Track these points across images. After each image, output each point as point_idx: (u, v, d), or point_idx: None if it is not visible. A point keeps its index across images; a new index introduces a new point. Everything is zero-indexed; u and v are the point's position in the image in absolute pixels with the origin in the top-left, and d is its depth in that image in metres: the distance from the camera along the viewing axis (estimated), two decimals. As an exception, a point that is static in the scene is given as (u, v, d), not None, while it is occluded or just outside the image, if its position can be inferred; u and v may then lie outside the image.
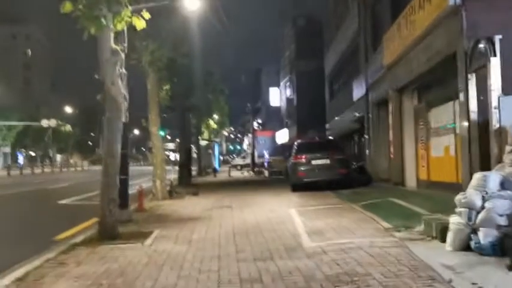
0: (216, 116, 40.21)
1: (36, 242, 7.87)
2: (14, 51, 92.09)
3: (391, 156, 13.78)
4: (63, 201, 15.52)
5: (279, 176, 29.79)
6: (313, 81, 36.45)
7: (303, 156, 15.04)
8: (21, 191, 21.00)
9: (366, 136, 17.00)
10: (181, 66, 17.97)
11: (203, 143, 39.90)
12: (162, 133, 40.71)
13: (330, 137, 17.66)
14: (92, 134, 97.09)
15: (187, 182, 22.61)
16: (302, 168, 14.95)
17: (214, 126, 40.18)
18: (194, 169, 37.89)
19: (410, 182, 12.79)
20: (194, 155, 36.12)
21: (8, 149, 71.96)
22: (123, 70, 9.79)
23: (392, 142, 13.64)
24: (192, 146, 40.98)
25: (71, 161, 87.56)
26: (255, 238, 7.24)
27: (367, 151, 17.33)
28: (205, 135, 40.02)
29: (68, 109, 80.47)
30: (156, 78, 14.90)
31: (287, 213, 9.94)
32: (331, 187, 14.82)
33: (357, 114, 18.91)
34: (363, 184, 15.75)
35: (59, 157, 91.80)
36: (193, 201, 13.92)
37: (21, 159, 74.38)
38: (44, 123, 60.80)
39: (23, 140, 71.60)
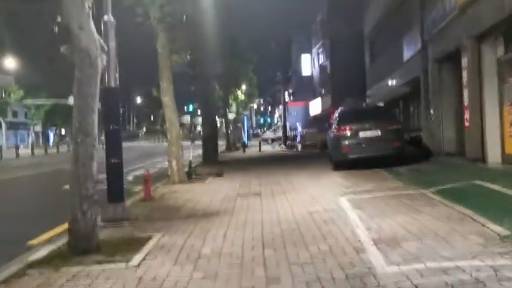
0: (244, 87, 37.58)
1: (9, 247, 5.88)
2: (39, 28, 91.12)
3: (466, 124, 10.84)
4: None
5: (313, 150, 27.19)
6: (349, 45, 33.16)
7: (348, 128, 12.30)
8: (29, 174, 19.18)
9: (422, 101, 14.04)
10: (199, 26, 15.41)
11: (231, 116, 37.45)
12: (191, 108, 38.36)
13: (380, 103, 14.72)
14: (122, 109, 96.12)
15: (213, 159, 20.30)
16: (347, 142, 12.24)
17: (243, 97, 37.58)
18: (222, 144, 35.71)
19: (493, 157, 9.91)
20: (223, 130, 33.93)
21: (39, 128, 71.71)
22: (111, 17, 7.32)
23: (468, 106, 10.64)
24: (221, 119, 38.87)
25: (102, 137, 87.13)
26: (294, 253, 4.73)
27: (422, 119, 14.40)
28: (233, 107, 37.51)
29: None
30: (166, 38, 12.37)
31: (336, 203, 7.38)
32: (382, 164, 12.14)
33: (408, 76, 15.96)
34: (420, 159, 12.98)
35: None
36: (215, 184, 11.51)
37: (51, 137, 74.18)
38: (71, 100, 59.72)
39: (53, 118, 71.04)
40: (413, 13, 14.99)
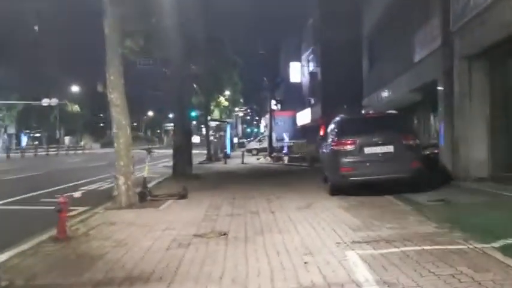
0: (228, 93, 34.68)
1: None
2: (21, 27, 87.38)
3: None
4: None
5: (302, 164, 24.32)
6: (342, 50, 30.46)
7: (350, 141, 9.38)
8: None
9: (441, 110, 11.18)
10: (165, 9, 12.55)
11: (213, 123, 34.47)
12: (193, 114, 35.07)
13: (392, 111, 11.82)
14: (101, 115, 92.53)
15: (185, 172, 17.30)
16: (348, 160, 9.33)
17: (226, 103, 34.62)
18: (202, 153, 32.65)
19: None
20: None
21: (12, 130, 68.00)
22: None
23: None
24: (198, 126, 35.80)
25: (82, 143, 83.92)
26: None
27: (440, 133, 11.53)
28: (216, 114, 34.55)
29: (75, 88, 75.68)
30: (117, 16, 9.44)
31: (344, 267, 4.48)
32: (391, 188, 9.33)
33: (420, 81, 13.19)
34: (438, 184, 10.17)
35: (67, 139, 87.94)
36: (172, 213, 8.51)
37: (24, 140, 70.39)
38: (45, 102, 56.68)
39: (26, 120, 67.33)
40: (431, 1, 12.20)
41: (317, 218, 7.28)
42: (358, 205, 8.37)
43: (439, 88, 11.09)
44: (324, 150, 11.31)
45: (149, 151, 10.84)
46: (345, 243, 5.50)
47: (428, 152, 11.67)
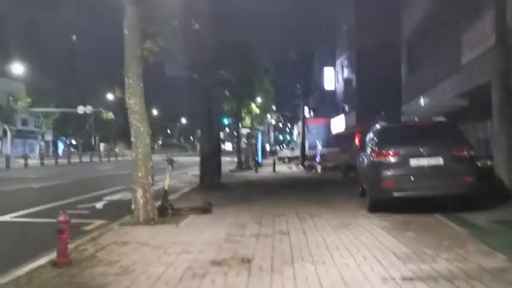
0: (259, 99, 33.85)
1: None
2: (57, 36, 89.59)
3: None
4: (4, 218, 9.83)
5: (335, 174, 23.16)
6: (379, 55, 29.23)
7: (393, 152, 8.31)
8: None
9: (496, 115, 9.88)
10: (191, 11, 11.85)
11: (244, 131, 33.68)
12: (226, 122, 34.18)
13: (440, 118, 10.67)
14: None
15: (213, 182, 16.49)
16: (391, 173, 8.25)
17: (257, 111, 33.78)
18: (230, 160, 31.89)
19: None
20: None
21: (50, 137, 69.48)
22: None
23: None
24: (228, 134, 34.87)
25: (116, 150, 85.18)
26: None
27: (494, 142, 10.24)
28: (247, 122, 33.76)
29: (110, 96, 76.74)
30: (137, 14, 8.74)
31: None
32: (438, 205, 8.20)
33: (468, 85, 11.90)
34: (494, 201, 8.94)
35: (102, 146, 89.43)
36: (192, 231, 7.65)
37: (61, 147, 71.73)
38: (80, 109, 57.60)
39: (63, 128, 68.60)
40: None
41: (356, 242, 6.26)
42: (403, 226, 7.29)
43: (493, 92, 9.87)
44: (362, 161, 10.24)
45: (170, 161, 10.05)
46: (393, 279, 4.49)
47: (480, 165, 10.42)
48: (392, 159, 8.40)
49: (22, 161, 37.01)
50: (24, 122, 64.46)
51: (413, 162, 8.25)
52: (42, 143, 66.04)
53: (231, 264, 5.35)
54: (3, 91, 54.19)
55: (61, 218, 5.51)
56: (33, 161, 42.63)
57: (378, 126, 9.52)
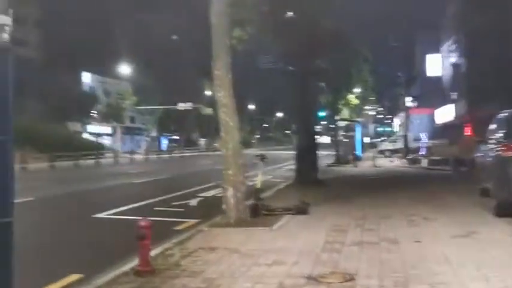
0: (358, 90, 32.23)
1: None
2: (159, 37, 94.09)
3: None
4: (100, 215, 9.91)
5: (444, 168, 21.09)
6: (493, 38, 26.29)
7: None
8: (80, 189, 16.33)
9: None
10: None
11: (341, 123, 32.31)
12: (322, 114, 33.25)
13: None
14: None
15: (310, 177, 15.69)
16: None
17: (355, 102, 32.20)
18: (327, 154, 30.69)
19: None
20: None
21: (154, 133, 73.42)
22: None
23: None
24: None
25: (216, 144, 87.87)
26: None
27: None
28: (344, 113, 32.34)
29: (209, 92, 79.10)
30: (225, 1, 8.19)
31: None
32: None
33: None
34: None
35: (203, 141, 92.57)
36: (286, 235, 6.90)
37: (165, 143, 75.30)
38: (181, 106, 60.14)
39: (165, 124, 72.03)
40: None
41: (486, 257, 5.08)
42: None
43: None
44: (485, 156, 8.74)
45: (262, 157, 9.41)
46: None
47: None
48: (525, 154, 6.93)
49: (129, 156, 39.42)
50: (132, 120, 68.68)
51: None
52: (148, 139, 69.90)
53: (330, 281, 4.51)
54: (114, 91, 58.31)
55: (142, 223, 5.06)
56: (139, 156, 45.12)
57: (505, 113, 8.00)
